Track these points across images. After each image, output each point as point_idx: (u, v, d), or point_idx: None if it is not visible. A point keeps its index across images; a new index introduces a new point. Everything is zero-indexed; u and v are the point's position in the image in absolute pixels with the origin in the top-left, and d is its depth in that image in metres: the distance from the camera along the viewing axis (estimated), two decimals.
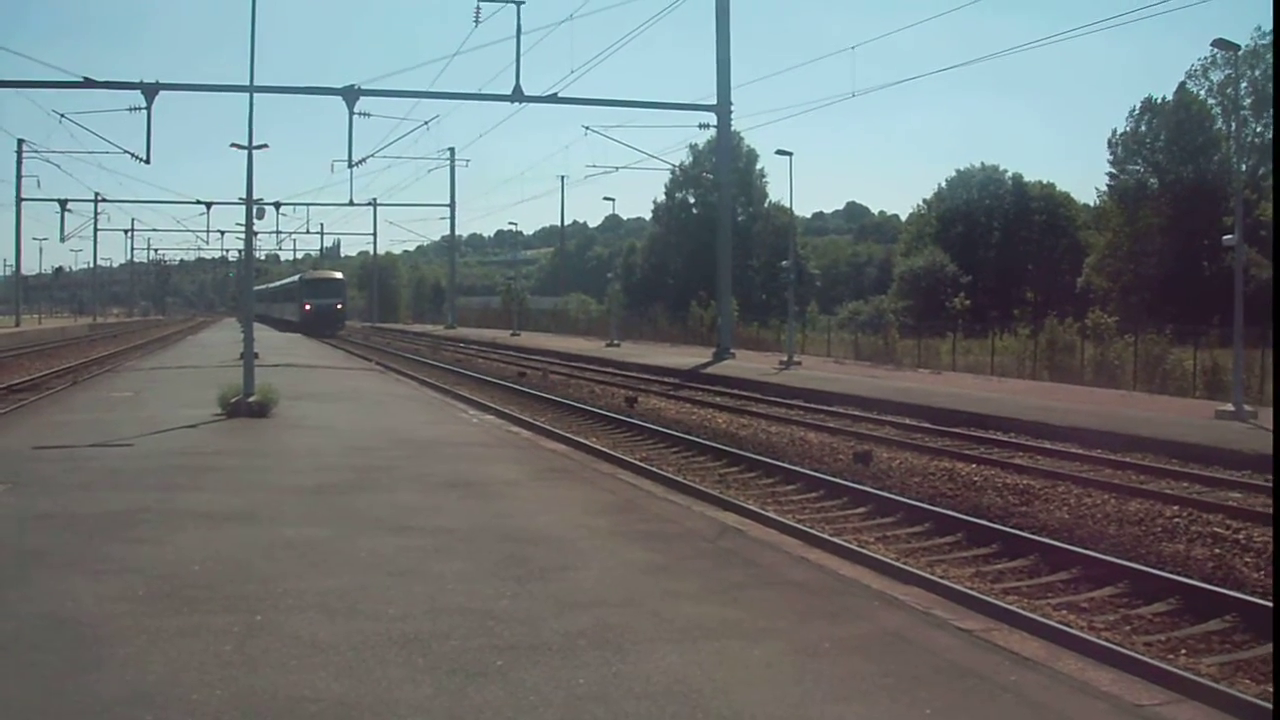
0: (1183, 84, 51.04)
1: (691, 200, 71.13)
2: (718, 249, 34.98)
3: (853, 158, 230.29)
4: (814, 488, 12.08)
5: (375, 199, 76.16)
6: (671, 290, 62.44)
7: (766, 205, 69.59)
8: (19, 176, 55.37)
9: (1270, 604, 6.92)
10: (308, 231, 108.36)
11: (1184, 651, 6.73)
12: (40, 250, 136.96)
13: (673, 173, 65.29)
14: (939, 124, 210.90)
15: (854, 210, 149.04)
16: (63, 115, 33.04)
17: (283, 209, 67.63)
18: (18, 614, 5.23)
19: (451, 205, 70.97)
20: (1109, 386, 24.51)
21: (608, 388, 25.16)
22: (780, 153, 32.95)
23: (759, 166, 68.82)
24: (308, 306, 60.55)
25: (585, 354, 35.49)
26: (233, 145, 19.43)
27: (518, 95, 30.79)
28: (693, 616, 5.35)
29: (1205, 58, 49.14)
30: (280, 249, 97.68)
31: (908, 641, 5.07)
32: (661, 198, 73.47)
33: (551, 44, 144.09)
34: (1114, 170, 54.35)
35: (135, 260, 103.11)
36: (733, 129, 36.20)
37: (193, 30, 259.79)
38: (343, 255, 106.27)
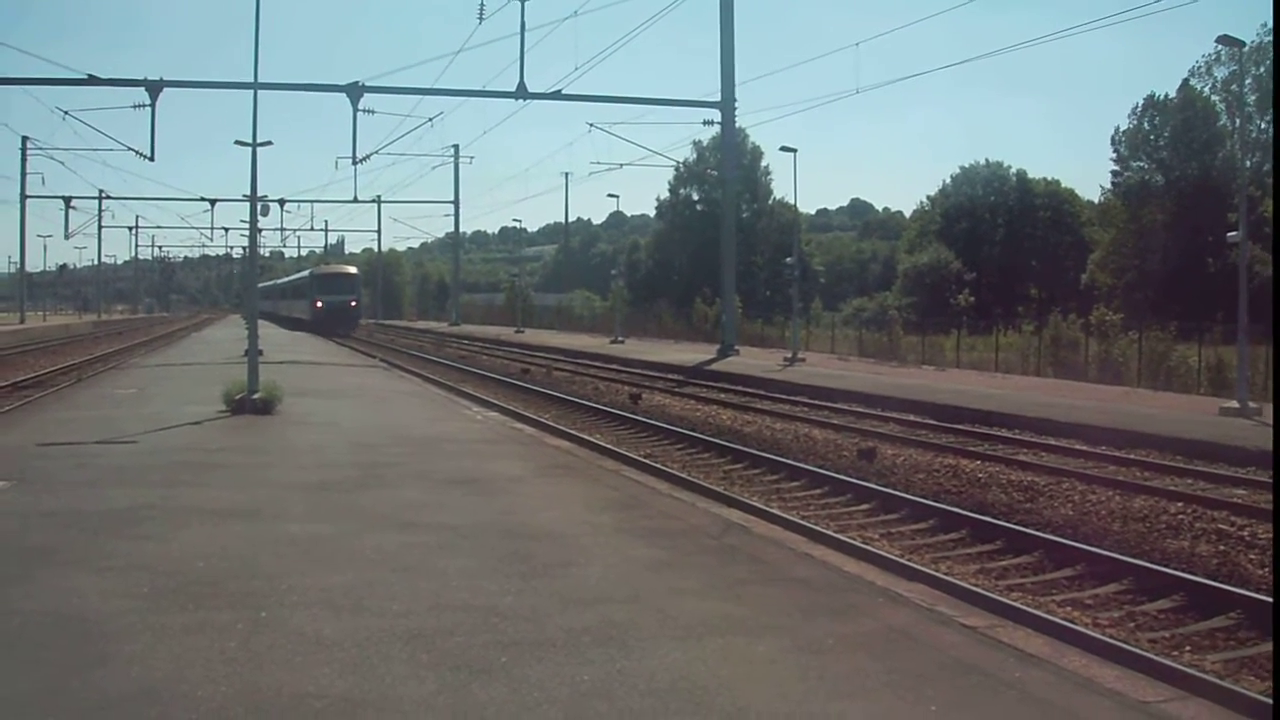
0: (1187, 80, 51.13)
1: (696, 197, 71.03)
2: (722, 245, 34.96)
3: (857, 154, 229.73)
4: (818, 484, 12.09)
5: (379, 196, 76.40)
6: (676, 287, 62.29)
7: (771, 202, 69.38)
8: (23, 173, 55.52)
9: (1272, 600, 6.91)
10: (312, 229, 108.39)
11: (1188, 648, 6.73)
12: (45, 247, 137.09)
13: (677, 169, 65.50)
14: (943, 120, 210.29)
15: (858, 207, 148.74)
16: (67, 112, 33.23)
17: (287, 206, 68.03)
18: (22, 611, 5.25)
19: (455, 202, 70.96)
20: (1113, 383, 24.44)
21: (612, 384, 25.16)
22: (784, 149, 32.75)
23: (763, 163, 68.64)
24: (319, 304, 57.05)
25: (589, 350, 35.48)
26: (237, 142, 19.60)
27: (522, 92, 30.84)
28: (697, 613, 5.34)
29: (1209, 54, 49.27)
30: (285, 246, 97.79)
31: (912, 638, 5.07)
32: (666, 194, 73.29)
33: (555, 41, 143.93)
34: (1118, 167, 54.37)
35: (140, 257, 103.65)
36: (737, 126, 36.22)
37: (197, 27, 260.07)
38: (347, 252, 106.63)
